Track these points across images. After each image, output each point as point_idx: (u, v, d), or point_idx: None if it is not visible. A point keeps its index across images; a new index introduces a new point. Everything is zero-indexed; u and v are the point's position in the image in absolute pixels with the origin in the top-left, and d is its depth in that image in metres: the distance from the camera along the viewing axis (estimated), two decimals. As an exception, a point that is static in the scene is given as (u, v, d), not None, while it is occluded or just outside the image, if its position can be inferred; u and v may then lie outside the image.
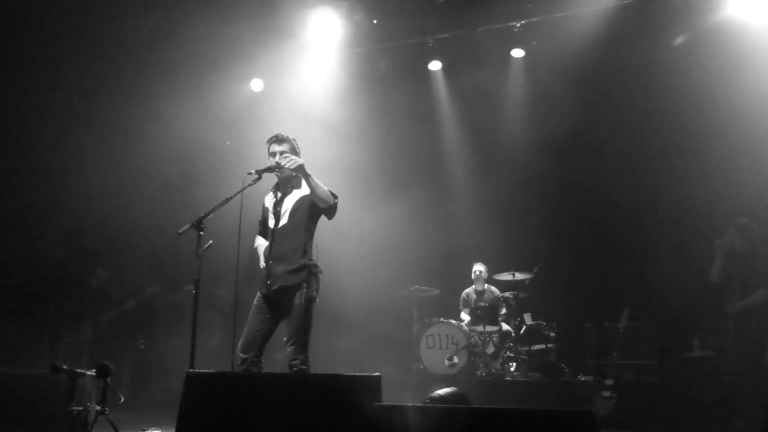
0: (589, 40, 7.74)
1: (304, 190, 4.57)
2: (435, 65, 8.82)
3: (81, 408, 4.46)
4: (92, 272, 8.13)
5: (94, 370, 4.47)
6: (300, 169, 4.41)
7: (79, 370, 4.50)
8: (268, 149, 4.66)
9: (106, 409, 4.42)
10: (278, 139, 4.64)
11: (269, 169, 4.55)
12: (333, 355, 7.75)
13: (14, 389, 4.92)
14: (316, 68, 8.73)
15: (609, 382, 6.46)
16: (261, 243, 4.73)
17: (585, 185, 8.49)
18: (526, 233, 8.48)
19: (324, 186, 4.46)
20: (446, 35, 8.42)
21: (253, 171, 4.51)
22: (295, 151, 4.66)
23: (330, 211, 4.54)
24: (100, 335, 7.81)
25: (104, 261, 8.21)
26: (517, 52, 8.44)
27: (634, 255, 8.13)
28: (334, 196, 4.53)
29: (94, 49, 7.64)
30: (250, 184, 4.49)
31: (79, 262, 8.11)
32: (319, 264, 4.59)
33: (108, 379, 4.46)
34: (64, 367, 4.50)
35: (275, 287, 4.44)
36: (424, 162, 9.07)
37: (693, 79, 7.52)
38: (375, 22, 8.31)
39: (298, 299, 4.38)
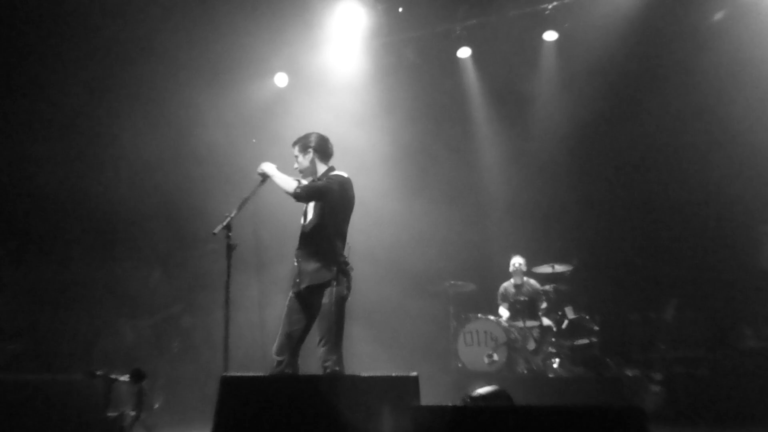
0: (624, 18, 7.54)
1: None
2: (464, 52, 8.61)
3: (117, 414, 4.46)
4: (148, 274, 8.19)
5: (128, 376, 4.46)
6: (262, 175, 4.56)
7: (114, 376, 4.50)
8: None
9: (142, 414, 4.41)
10: (292, 144, 4.74)
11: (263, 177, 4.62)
12: (367, 355, 7.64)
13: (50, 395, 4.91)
14: (341, 61, 8.63)
15: (657, 376, 6.26)
16: None
17: (625, 172, 8.24)
18: (565, 223, 8.28)
19: (287, 178, 4.51)
20: (474, 21, 8.23)
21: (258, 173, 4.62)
22: (304, 149, 4.68)
23: (296, 198, 4.49)
24: (139, 340, 7.82)
25: (153, 262, 8.25)
26: (550, 35, 8.20)
27: (679, 242, 7.84)
28: (307, 188, 4.49)
29: (121, 48, 7.67)
30: (258, 186, 4.59)
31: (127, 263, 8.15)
32: (350, 261, 4.51)
33: (143, 384, 4.46)
34: (99, 372, 4.51)
35: (303, 285, 4.43)
36: (457, 153, 8.90)
37: (733, 57, 7.22)
38: (400, 10, 8.18)
39: (328, 298, 4.33)
